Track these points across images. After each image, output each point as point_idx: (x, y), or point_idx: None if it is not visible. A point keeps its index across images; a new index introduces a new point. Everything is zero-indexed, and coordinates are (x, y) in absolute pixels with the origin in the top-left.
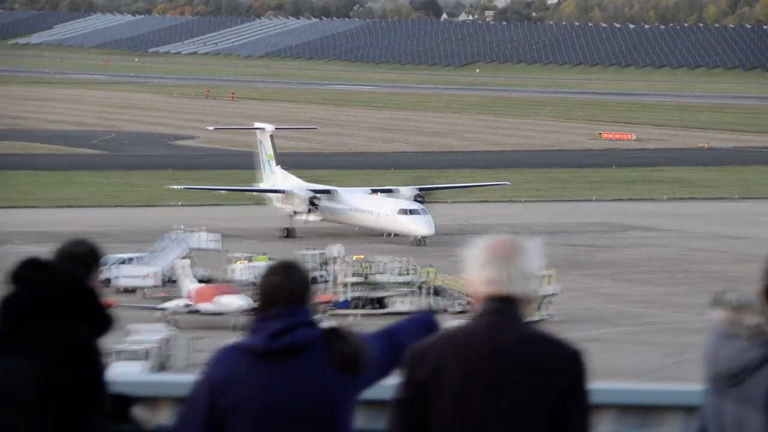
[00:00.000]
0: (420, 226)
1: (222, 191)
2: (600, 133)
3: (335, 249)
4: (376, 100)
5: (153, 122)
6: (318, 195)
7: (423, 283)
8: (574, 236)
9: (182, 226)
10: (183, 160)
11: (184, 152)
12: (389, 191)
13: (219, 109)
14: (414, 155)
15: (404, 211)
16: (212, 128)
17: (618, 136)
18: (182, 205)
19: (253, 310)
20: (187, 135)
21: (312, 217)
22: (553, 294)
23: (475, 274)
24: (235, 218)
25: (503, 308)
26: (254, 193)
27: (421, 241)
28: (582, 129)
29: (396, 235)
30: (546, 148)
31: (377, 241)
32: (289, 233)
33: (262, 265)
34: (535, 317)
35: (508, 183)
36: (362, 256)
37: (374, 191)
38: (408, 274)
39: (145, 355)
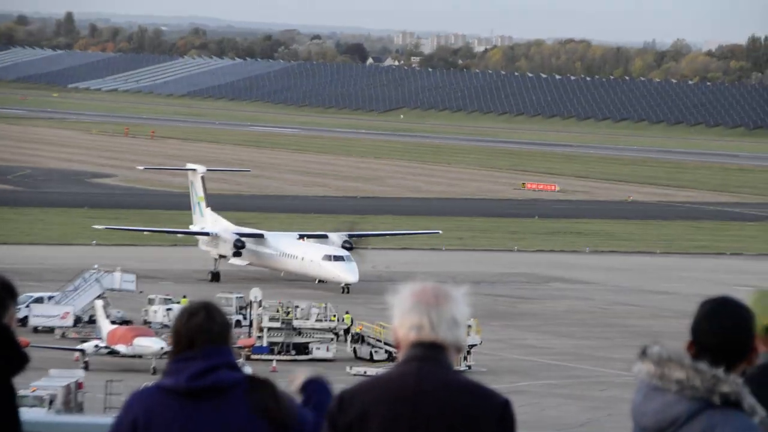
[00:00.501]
0: (344, 272)
1: (145, 232)
2: (523, 183)
3: (253, 293)
4: (298, 143)
5: (70, 159)
6: (242, 239)
7: (346, 329)
8: (496, 286)
9: (96, 266)
10: (100, 198)
11: (101, 190)
12: (320, 236)
13: (138, 147)
14: (335, 200)
15: (329, 257)
16: (142, 168)
17: (541, 186)
18: (97, 245)
19: (169, 352)
20: (105, 173)
21: (238, 261)
22: (474, 345)
23: (401, 319)
24: (154, 259)
25: (429, 355)
26: (182, 235)
27: (344, 288)
28: (505, 178)
29: (322, 281)
30: (469, 197)
31: (304, 286)
32: (214, 276)
33: (179, 307)
34: (457, 367)
35: (440, 232)
36: (280, 301)
37: (302, 236)
38: (328, 320)
39: (49, 401)
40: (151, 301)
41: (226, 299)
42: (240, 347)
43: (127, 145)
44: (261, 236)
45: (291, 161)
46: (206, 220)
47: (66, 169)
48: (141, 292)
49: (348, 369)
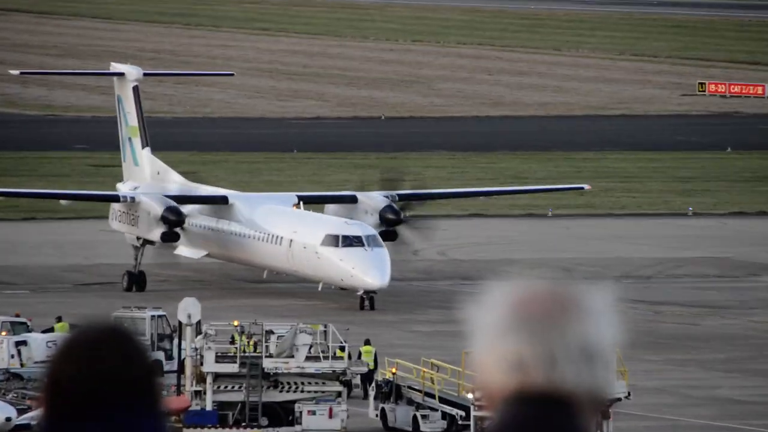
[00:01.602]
0: (362, 269)
1: None
2: (702, 84)
3: (185, 307)
4: (270, 17)
5: None
6: (178, 207)
7: (366, 374)
8: (657, 285)
9: None
10: None
11: None
12: (339, 200)
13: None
14: (341, 124)
15: (334, 240)
16: (17, 72)
17: (739, 89)
18: None
19: (35, 423)
20: None
21: (187, 251)
22: (616, 399)
23: (490, 352)
24: None
25: (543, 417)
26: (66, 202)
27: (364, 299)
28: (669, 74)
29: (331, 287)
30: (600, 112)
31: (291, 295)
32: (132, 281)
33: (57, 337)
34: None
35: (585, 187)
36: (237, 323)
37: (301, 201)
38: (331, 356)
39: None
40: None
41: (132, 320)
42: (170, 412)
43: None
44: (223, 201)
45: (255, 52)
46: (143, 171)
47: None
48: None
49: None
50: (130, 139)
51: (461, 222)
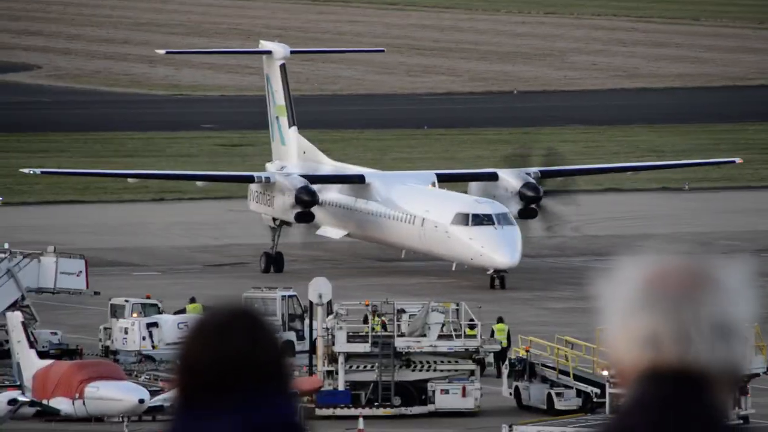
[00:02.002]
0: (491, 247)
1: (129, 178)
2: None
3: (316, 287)
4: None
5: None
6: (311, 187)
7: (499, 353)
8: None
9: (6, 245)
10: (24, 112)
11: (23, 96)
12: (479, 177)
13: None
14: (472, 99)
15: (464, 219)
16: (163, 51)
17: None
18: (4, 203)
19: (170, 404)
20: (19, 64)
21: (329, 231)
22: (755, 374)
23: (622, 328)
24: (125, 230)
25: (677, 395)
26: (202, 184)
27: (494, 278)
28: None
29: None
30: (737, 83)
31: (423, 273)
32: (270, 262)
33: (188, 319)
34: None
35: (737, 160)
36: (368, 302)
37: (440, 178)
38: (463, 335)
39: None
40: (117, 311)
41: (263, 301)
42: (301, 393)
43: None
44: (360, 180)
45: (384, 27)
46: (290, 150)
47: None
48: (97, 293)
49: (505, 430)
50: (277, 118)
51: (595, 197)
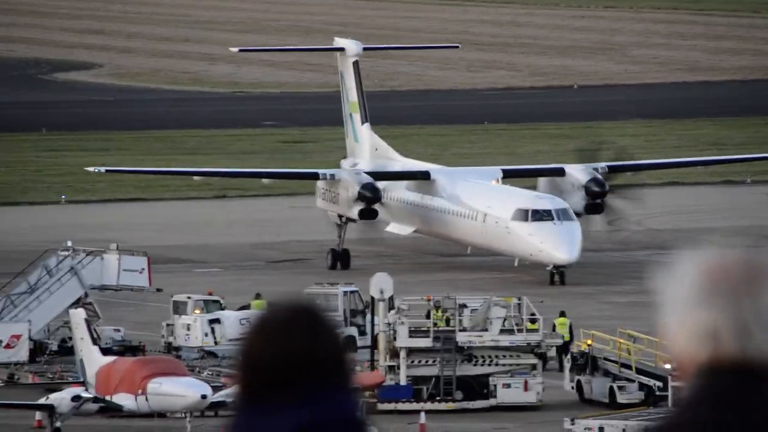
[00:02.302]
0: (550, 243)
1: (194, 176)
2: None
3: (377, 283)
4: None
5: None
6: (375, 184)
7: (562, 347)
8: None
9: (70, 243)
10: (86, 112)
11: (78, 95)
12: (547, 173)
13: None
14: (533, 94)
15: (524, 214)
16: (236, 49)
17: None
18: (67, 201)
19: (232, 400)
20: (81, 63)
21: (396, 228)
22: None
23: (681, 321)
24: (188, 227)
25: (738, 389)
26: (267, 181)
27: (554, 273)
28: None
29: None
30: None
31: (485, 268)
32: (336, 259)
33: (249, 315)
34: None
35: None
36: (429, 297)
37: (506, 175)
38: (525, 330)
39: None
40: (179, 308)
41: (325, 297)
42: (364, 388)
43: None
44: (425, 176)
45: (441, 23)
46: (363, 147)
47: None
48: (159, 290)
49: (567, 424)
50: (351, 115)
51: (657, 191)
